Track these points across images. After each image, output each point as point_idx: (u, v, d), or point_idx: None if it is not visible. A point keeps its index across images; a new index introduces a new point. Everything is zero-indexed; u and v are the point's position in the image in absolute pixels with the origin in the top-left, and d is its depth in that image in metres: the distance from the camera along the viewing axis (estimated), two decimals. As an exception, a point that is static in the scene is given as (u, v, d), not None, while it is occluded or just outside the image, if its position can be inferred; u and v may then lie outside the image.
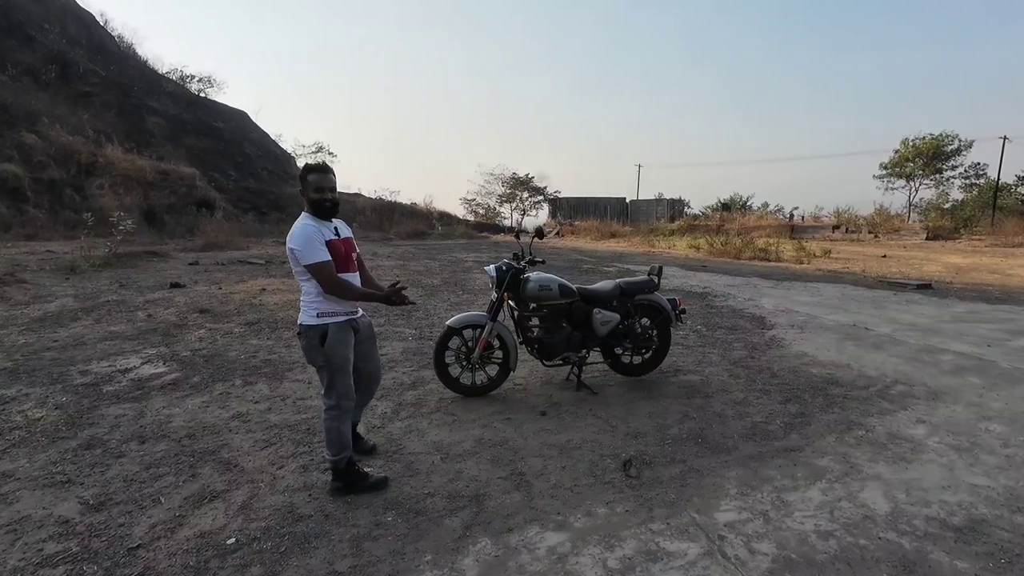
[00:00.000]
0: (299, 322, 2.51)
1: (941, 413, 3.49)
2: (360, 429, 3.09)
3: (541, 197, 41.84)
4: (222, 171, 29.64)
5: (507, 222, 40.62)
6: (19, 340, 5.21)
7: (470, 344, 3.76)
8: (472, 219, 38.52)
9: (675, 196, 36.35)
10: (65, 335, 5.66)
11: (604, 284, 4.07)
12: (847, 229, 25.30)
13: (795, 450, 2.95)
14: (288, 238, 2.43)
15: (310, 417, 3.48)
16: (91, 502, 2.43)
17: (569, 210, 35.42)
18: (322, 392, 2.59)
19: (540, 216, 41.20)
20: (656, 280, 4.08)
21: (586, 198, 36.28)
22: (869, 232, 24.24)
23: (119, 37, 33.66)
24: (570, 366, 3.99)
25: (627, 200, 37.02)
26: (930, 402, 3.69)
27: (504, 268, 3.73)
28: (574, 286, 3.91)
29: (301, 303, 2.50)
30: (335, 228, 2.56)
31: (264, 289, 8.50)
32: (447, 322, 3.79)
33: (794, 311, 6.95)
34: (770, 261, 14.03)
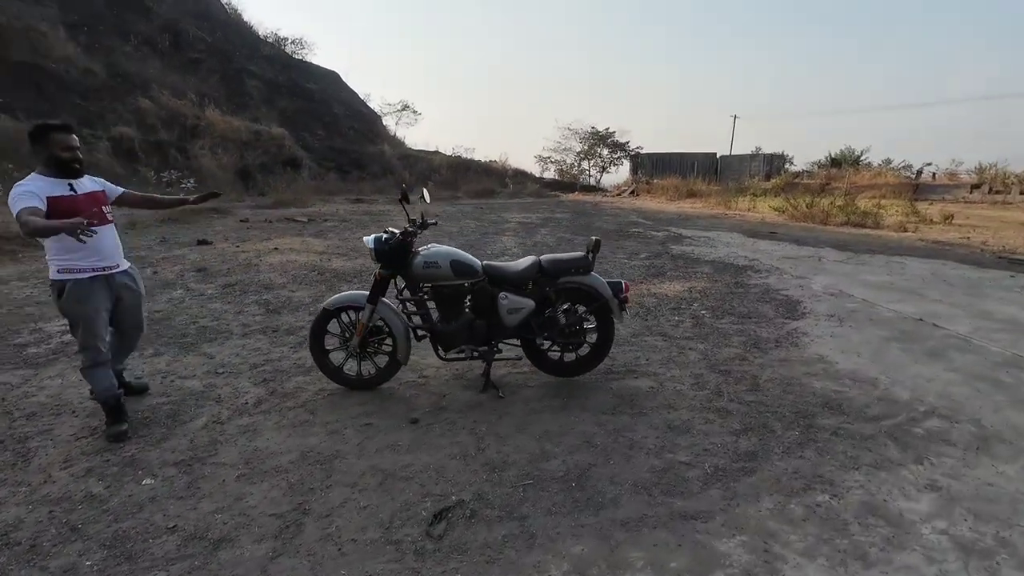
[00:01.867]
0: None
1: (976, 476, 2.31)
2: (143, 380, 3.34)
3: (622, 153, 39.07)
4: (311, 131, 31.06)
5: (591, 180, 38.60)
6: (10, 295, 5.44)
7: (353, 329, 3.16)
8: (549, 177, 37.08)
9: (775, 151, 32.03)
10: (64, 291, 5.90)
11: (520, 261, 3.22)
12: (991, 189, 20.69)
13: (698, 518, 2.03)
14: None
15: (174, 400, 3.13)
16: None
17: (651, 167, 32.71)
18: None
19: (621, 173, 38.63)
20: (590, 257, 3.14)
21: (670, 154, 33.19)
22: (1021, 193, 19.65)
23: (228, 4, 35.84)
24: (483, 361, 3.25)
25: (718, 156, 33.39)
26: (969, 453, 2.48)
27: (385, 239, 3.02)
28: (480, 263, 3.11)
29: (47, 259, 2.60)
30: (70, 184, 2.58)
31: (276, 248, 8.45)
32: (323, 303, 3.20)
33: (847, 295, 5.46)
34: (866, 228, 11.69)
